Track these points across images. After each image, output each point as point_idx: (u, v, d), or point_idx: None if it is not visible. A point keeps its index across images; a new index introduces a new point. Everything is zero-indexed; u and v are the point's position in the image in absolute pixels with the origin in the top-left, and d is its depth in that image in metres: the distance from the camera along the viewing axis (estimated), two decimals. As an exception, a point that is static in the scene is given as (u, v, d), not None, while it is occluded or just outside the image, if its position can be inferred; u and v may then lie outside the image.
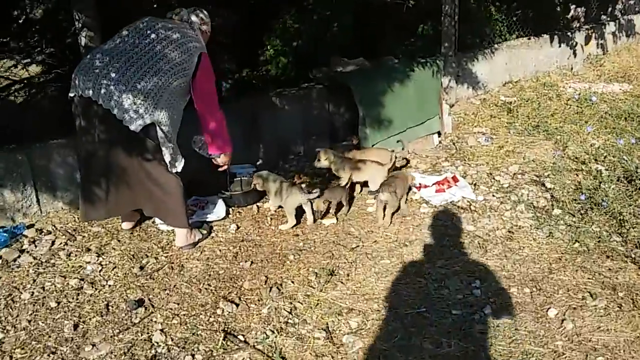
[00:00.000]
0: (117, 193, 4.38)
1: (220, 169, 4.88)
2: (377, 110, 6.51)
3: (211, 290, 4.05)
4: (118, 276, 4.24)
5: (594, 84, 9.47)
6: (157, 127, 4.13)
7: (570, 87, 9.27)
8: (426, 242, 4.67)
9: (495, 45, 9.14)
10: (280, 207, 5.13)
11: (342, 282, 4.09)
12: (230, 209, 5.29)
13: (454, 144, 7.11)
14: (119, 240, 4.75)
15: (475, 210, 5.23)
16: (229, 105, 5.95)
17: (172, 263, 4.41)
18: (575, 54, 10.38)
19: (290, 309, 3.80)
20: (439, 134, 7.26)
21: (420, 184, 5.82)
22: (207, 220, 5.02)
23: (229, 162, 4.85)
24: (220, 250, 4.59)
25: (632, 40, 12.24)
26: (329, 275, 4.15)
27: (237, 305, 3.86)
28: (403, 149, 6.35)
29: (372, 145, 6.48)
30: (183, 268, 4.35)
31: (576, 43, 10.38)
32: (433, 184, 5.78)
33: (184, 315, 3.77)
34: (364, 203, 5.48)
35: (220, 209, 5.15)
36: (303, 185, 5.19)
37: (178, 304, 3.88)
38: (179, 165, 4.38)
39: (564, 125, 7.37)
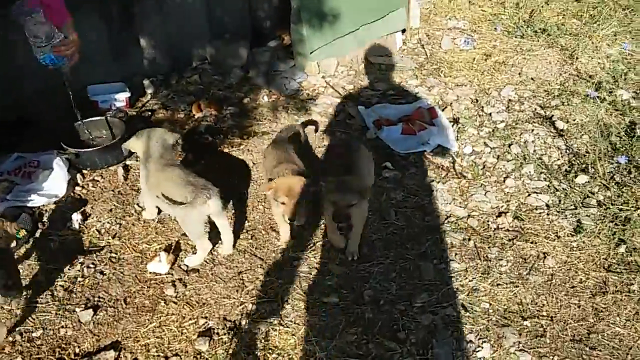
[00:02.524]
0: None
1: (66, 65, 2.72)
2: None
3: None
4: None
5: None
6: None
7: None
8: (389, 246, 2.84)
9: None
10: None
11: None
12: (79, 177, 3.18)
13: (422, 46, 5.05)
14: None
15: (463, 174, 3.39)
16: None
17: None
18: None
19: None
20: (403, 31, 5.13)
21: (379, 117, 3.86)
22: (30, 204, 2.92)
23: (77, 49, 2.68)
24: (45, 275, 2.58)
25: None
26: (233, 334, 2.30)
27: None
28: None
29: (311, 52, 4.35)
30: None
31: None
32: (399, 120, 3.83)
33: None
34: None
35: (57, 181, 3.03)
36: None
37: None
38: None
39: (566, 22, 5.37)
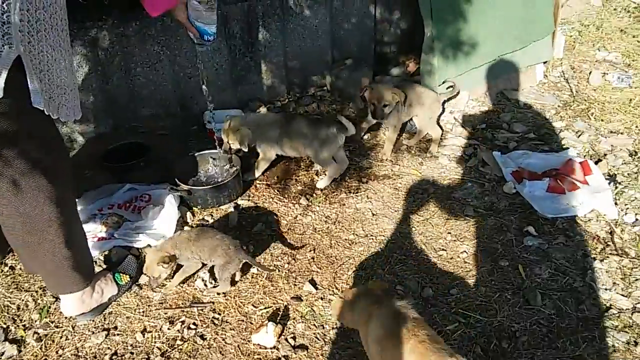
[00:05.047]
0: None
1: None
2: (456, 26, 3.78)
3: None
4: None
5: None
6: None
7: None
8: (535, 342, 2.31)
9: None
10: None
11: None
12: (189, 215, 2.95)
13: (567, 81, 4.40)
14: (-32, 286, 2.53)
15: (624, 250, 2.77)
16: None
17: (47, 362, 2.20)
18: None
19: None
20: (545, 62, 4.52)
21: (519, 168, 3.31)
22: (137, 245, 2.72)
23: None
24: (144, 332, 2.34)
25: None
26: None
27: None
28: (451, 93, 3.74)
29: (440, 84, 3.88)
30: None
31: None
32: (544, 175, 3.25)
33: None
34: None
35: (167, 220, 2.81)
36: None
37: None
38: (62, 111, 1.90)
39: None
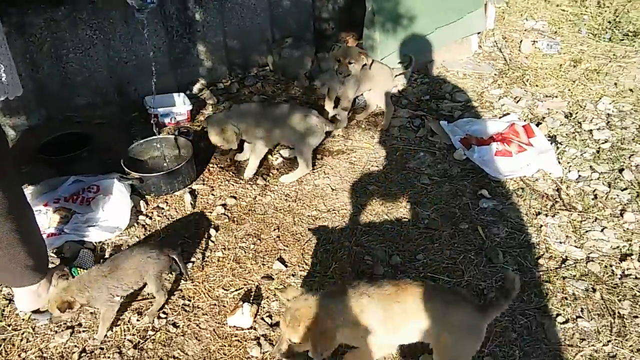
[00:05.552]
0: None
1: None
2: (394, 1, 3.84)
3: None
4: None
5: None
6: None
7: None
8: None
9: None
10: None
11: None
12: (142, 204, 2.84)
13: (500, 50, 4.59)
14: None
15: (572, 205, 2.94)
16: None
17: (7, 367, 2.06)
18: None
19: None
20: (478, 33, 4.68)
21: (467, 135, 3.43)
22: (89, 238, 2.58)
23: None
24: (120, 333, 2.24)
25: None
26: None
27: None
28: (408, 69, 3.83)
29: (382, 59, 3.93)
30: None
31: None
32: (491, 139, 3.39)
33: None
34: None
35: (119, 210, 2.68)
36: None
37: None
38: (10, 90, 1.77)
39: (659, 23, 4.85)
